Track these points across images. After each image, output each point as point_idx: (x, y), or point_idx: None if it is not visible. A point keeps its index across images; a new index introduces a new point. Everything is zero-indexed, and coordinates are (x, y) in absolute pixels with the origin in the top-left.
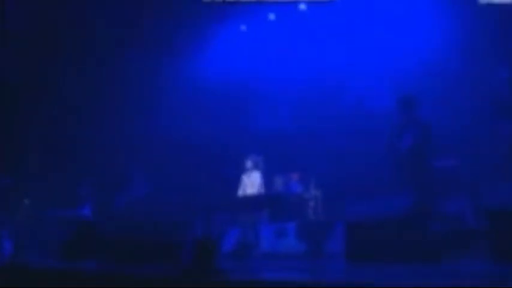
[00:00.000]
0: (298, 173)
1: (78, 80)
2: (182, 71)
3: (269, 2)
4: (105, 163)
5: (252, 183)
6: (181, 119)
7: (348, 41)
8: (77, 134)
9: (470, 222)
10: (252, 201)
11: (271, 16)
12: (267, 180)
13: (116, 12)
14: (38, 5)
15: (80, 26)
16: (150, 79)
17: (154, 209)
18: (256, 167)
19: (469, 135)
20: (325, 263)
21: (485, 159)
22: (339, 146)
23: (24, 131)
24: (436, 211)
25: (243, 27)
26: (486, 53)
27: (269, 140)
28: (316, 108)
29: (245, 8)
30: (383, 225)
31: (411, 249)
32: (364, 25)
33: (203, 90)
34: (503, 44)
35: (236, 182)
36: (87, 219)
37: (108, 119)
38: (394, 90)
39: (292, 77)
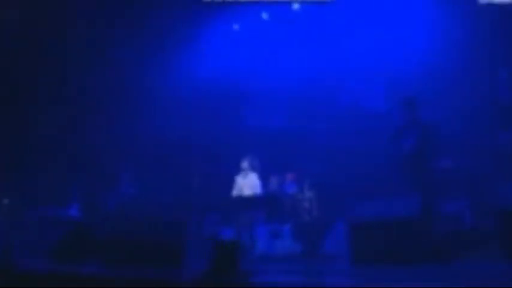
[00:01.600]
0: (294, 174)
1: (69, 78)
2: (175, 70)
3: (266, 2)
4: (94, 162)
5: (249, 185)
6: (174, 118)
7: (344, 41)
8: (65, 132)
9: (469, 223)
10: (247, 202)
11: (267, 15)
12: (262, 181)
13: (109, 11)
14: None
15: (73, 25)
16: (143, 78)
17: (146, 209)
18: (253, 168)
19: (468, 135)
20: (325, 265)
21: (485, 159)
22: (335, 146)
23: (10, 130)
24: (437, 212)
25: (238, 27)
26: (486, 53)
27: (264, 140)
28: (312, 108)
29: (241, 7)
30: (388, 226)
31: (417, 251)
32: (362, 25)
33: (197, 90)
34: (503, 44)
35: (230, 181)
36: (76, 220)
37: (98, 117)
38: (391, 91)
39: (288, 77)
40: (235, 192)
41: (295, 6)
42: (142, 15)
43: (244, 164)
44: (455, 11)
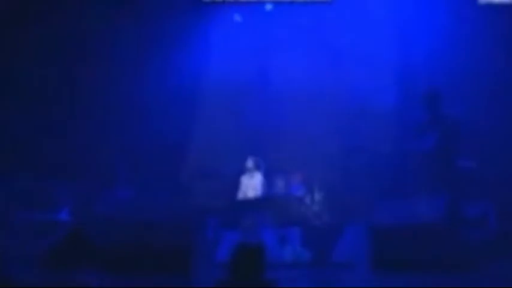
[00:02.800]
0: (300, 174)
1: (64, 78)
2: (174, 70)
3: (266, 2)
4: (87, 162)
5: (253, 185)
6: (173, 118)
7: (348, 40)
8: (57, 132)
9: (494, 227)
10: (252, 204)
11: (271, 12)
12: (267, 182)
13: (107, 10)
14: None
15: (69, 23)
16: (142, 78)
17: (146, 212)
18: (257, 168)
19: (493, 133)
20: (337, 272)
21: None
22: (343, 146)
23: None
24: (461, 215)
25: (240, 20)
26: (488, 53)
27: (267, 140)
28: (317, 107)
29: (241, 7)
30: (410, 230)
31: (440, 257)
32: (365, 22)
33: (197, 90)
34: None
35: (233, 182)
36: (66, 224)
37: (93, 117)
38: (400, 89)
39: (292, 76)
40: (239, 194)
41: (298, 4)
42: (141, 16)
43: (249, 164)
44: (454, 10)
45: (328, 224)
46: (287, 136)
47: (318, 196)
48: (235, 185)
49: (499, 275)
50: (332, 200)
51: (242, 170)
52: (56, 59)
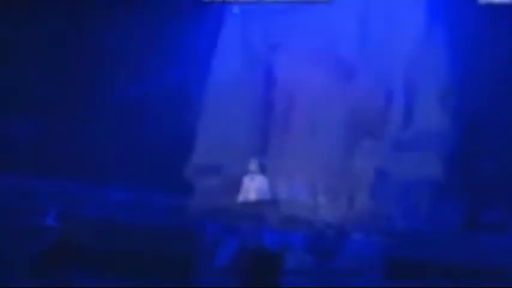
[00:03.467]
0: (304, 177)
1: (61, 76)
2: (175, 70)
3: (267, 2)
4: (80, 161)
5: (255, 188)
6: (174, 119)
7: (347, 39)
8: (47, 132)
9: None
10: (254, 207)
11: (271, 12)
12: (270, 184)
13: (107, 10)
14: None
15: (70, 25)
16: (140, 77)
17: (142, 215)
18: (261, 170)
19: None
20: (343, 280)
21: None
22: (347, 147)
23: None
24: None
25: (237, 27)
26: (488, 53)
27: (269, 142)
28: (321, 107)
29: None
30: (423, 236)
31: (461, 263)
32: (366, 23)
33: (197, 90)
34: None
35: (235, 184)
36: (55, 228)
37: (91, 116)
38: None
39: (295, 75)
40: (240, 196)
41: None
42: (141, 16)
43: (252, 166)
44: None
45: (332, 228)
46: (290, 137)
47: (322, 199)
48: (237, 188)
49: None
50: (337, 203)
51: (244, 172)
52: (55, 59)
